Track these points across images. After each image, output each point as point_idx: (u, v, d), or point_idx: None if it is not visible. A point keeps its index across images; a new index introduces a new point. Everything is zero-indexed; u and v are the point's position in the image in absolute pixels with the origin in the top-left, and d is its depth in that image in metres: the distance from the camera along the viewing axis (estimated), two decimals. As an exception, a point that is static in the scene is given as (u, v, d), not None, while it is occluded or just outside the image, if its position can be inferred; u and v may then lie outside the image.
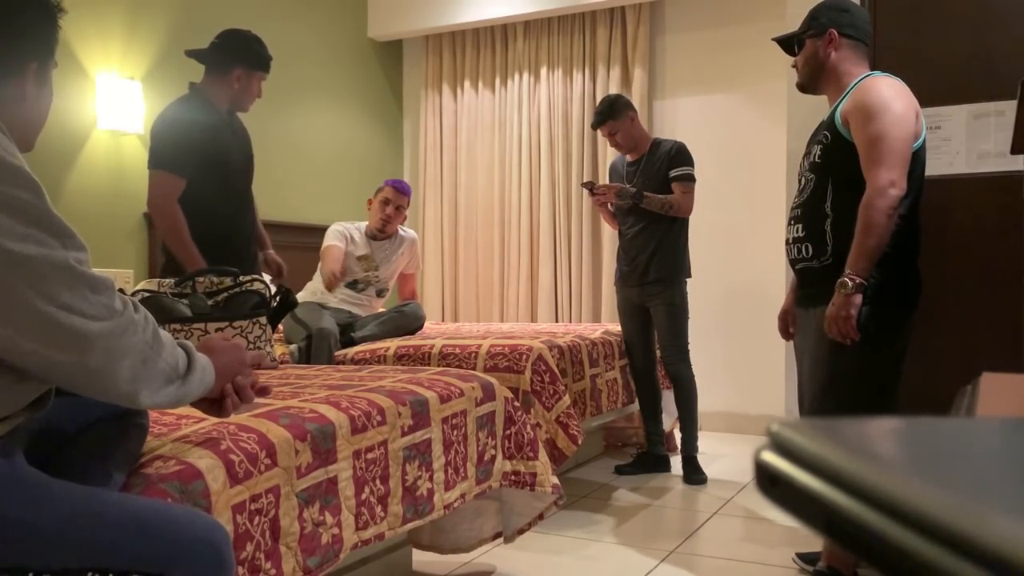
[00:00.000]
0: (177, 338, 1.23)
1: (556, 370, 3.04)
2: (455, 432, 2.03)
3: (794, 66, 2.36)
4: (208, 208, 2.83)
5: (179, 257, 2.78)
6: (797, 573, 2.42)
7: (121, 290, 1.22)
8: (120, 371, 1.10)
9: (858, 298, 2.03)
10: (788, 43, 2.36)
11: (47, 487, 1.08)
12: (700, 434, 3.68)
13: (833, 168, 2.15)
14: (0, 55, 1.14)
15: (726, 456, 3.99)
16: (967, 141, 2.93)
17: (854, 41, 2.23)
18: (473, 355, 3.07)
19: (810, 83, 2.31)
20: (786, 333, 2.50)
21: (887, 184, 2.01)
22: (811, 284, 2.20)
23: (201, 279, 2.50)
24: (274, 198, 4.53)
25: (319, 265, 3.72)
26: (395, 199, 3.74)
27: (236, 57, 2.87)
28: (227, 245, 2.88)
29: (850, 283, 2.03)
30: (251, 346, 2.46)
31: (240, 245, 2.99)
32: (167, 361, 1.18)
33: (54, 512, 1.05)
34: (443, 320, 5.26)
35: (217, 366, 1.28)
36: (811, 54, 2.27)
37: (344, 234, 3.71)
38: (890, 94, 2.07)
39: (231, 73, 2.87)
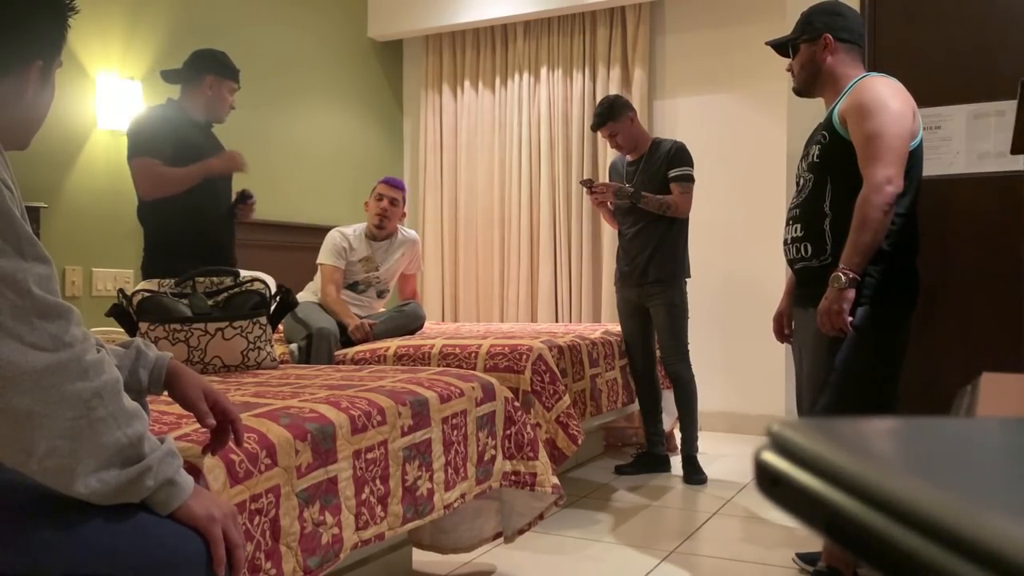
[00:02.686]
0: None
1: (556, 370, 3.04)
2: (455, 432, 2.03)
3: (789, 69, 2.35)
4: (195, 205, 3.00)
5: (194, 180, 2.97)
6: (797, 573, 2.42)
7: (101, 345, 1.06)
8: (54, 422, 0.87)
9: (851, 293, 2.04)
10: (783, 46, 2.35)
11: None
12: (700, 434, 3.68)
13: (832, 168, 2.15)
14: (4, 51, 1.10)
15: (726, 456, 3.99)
16: (967, 141, 2.93)
17: (849, 44, 2.23)
18: (473, 355, 3.07)
19: (806, 87, 2.30)
20: (780, 335, 2.50)
21: (884, 180, 2.01)
22: (810, 284, 2.20)
23: (201, 279, 2.50)
24: (274, 198, 4.53)
25: (318, 272, 3.72)
26: (388, 192, 3.73)
27: (207, 67, 3.09)
28: (205, 240, 3.04)
29: (843, 278, 2.03)
30: (251, 346, 2.46)
31: (220, 240, 3.13)
32: (125, 433, 0.92)
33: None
34: (443, 320, 5.26)
35: (211, 508, 1.04)
36: (807, 59, 2.26)
37: (341, 246, 3.66)
38: (887, 93, 2.07)
39: (203, 81, 3.09)
